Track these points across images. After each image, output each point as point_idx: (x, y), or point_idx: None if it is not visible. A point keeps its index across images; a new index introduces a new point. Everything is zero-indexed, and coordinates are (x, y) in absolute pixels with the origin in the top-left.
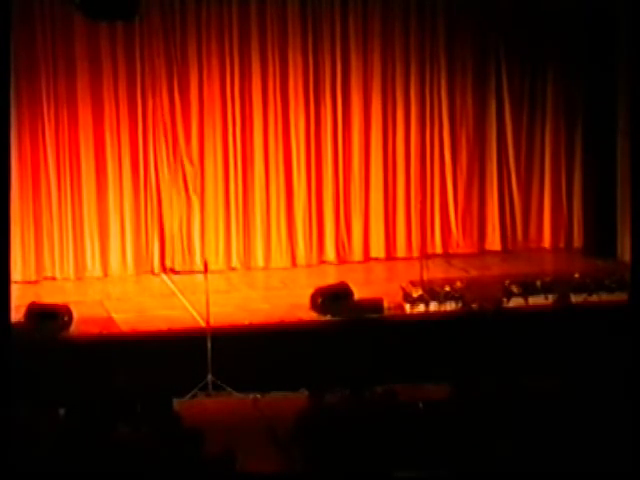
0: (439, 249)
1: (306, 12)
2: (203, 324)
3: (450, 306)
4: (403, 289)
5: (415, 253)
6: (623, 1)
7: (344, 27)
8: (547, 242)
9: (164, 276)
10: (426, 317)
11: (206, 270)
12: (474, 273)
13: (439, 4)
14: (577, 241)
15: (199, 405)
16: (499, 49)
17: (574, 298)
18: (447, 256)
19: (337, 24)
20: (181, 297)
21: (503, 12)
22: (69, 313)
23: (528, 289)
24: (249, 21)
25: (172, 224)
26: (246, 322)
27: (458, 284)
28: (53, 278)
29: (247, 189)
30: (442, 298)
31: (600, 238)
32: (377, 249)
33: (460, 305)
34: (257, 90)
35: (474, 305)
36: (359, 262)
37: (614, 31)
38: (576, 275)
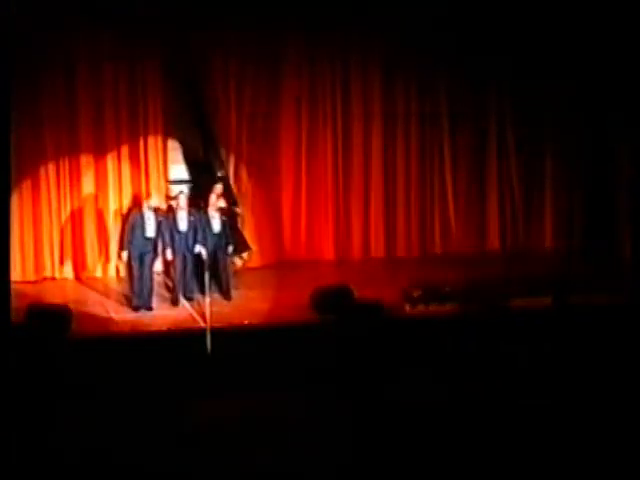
0: (439, 249)
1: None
2: (203, 324)
3: (450, 306)
4: (403, 289)
5: (415, 253)
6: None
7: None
8: (547, 242)
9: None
10: (426, 317)
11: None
12: (474, 273)
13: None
14: (577, 241)
15: None
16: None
17: (574, 298)
18: (447, 256)
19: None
20: (181, 297)
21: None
22: (69, 313)
23: (527, 289)
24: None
25: None
26: (246, 322)
27: (458, 284)
28: (53, 278)
29: (246, 188)
30: (442, 298)
31: (600, 238)
32: (377, 248)
33: (460, 305)
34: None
35: (474, 305)
36: (359, 261)
37: (614, 32)
38: (576, 275)
